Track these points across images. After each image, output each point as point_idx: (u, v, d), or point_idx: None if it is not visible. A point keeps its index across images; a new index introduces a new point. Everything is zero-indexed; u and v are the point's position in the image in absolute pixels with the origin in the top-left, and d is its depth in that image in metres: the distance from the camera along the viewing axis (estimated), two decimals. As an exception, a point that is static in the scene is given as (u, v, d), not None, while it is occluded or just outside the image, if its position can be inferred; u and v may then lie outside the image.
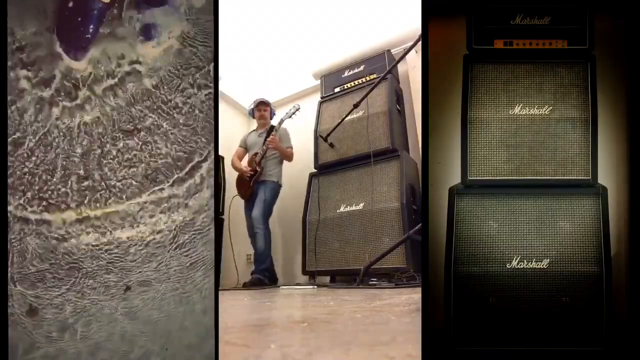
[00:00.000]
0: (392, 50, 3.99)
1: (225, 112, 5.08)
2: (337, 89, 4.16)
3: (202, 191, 1.08)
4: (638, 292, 1.27)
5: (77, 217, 1.08)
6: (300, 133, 4.33)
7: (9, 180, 1.09)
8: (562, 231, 1.22)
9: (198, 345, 1.05)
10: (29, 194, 1.09)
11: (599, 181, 1.24)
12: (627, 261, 1.30)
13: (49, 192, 1.09)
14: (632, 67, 1.33)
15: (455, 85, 1.29)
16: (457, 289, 1.21)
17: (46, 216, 1.08)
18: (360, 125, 3.69)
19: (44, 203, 1.08)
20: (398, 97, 3.80)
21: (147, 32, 1.10)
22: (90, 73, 1.10)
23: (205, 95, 1.09)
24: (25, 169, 1.09)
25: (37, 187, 1.09)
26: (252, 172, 3.98)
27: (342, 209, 3.52)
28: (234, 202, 4.15)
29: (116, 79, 1.10)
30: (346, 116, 3.61)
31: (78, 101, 1.10)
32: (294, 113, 3.99)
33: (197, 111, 1.09)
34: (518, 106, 1.26)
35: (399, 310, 1.31)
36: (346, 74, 4.15)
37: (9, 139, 1.10)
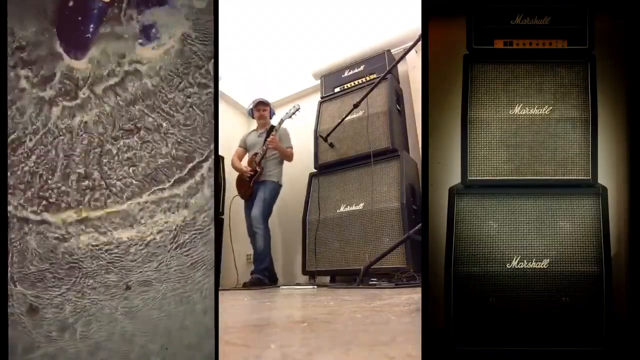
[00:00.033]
0: (392, 50, 3.99)
1: (225, 112, 5.07)
2: (337, 89, 4.15)
3: (202, 191, 1.08)
4: (638, 292, 1.27)
5: (77, 216, 1.08)
6: (300, 133, 4.32)
7: (9, 180, 1.09)
8: (562, 231, 1.22)
9: (198, 345, 1.05)
10: (29, 194, 1.09)
11: (599, 181, 1.24)
12: (627, 261, 1.30)
13: (49, 192, 1.09)
14: (632, 67, 1.33)
15: (455, 85, 1.29)
16: (457, 289, 1.21)
17: (46, 216, 1.08)
18: (360, 125, 3.69)
19: (44, 203, 1.08)
20: (398, 97, 3.79)
21: (147, 32, 1.10)
22: (91, 72, 1.10)
23: (206, 94, 1.09)
24: (26, 169, 1.09)
25: (37, 187, 1.09)
26: (252, 172, 3.98)
27: (342, 209, 3.52)
28: (234, 202, 4.15)
29: (116, 79, 1.10)
30: (346, 116, 3.61)
31: (78, 100, 1.10)
32: (294, 113, 3.99)
33: (197, 110, 1.09)
34: (518, 106, 1.26)
35: (399, 310, 1.31)
36: (346, 74, 4.15)
37: (9, 139, 1.10)
